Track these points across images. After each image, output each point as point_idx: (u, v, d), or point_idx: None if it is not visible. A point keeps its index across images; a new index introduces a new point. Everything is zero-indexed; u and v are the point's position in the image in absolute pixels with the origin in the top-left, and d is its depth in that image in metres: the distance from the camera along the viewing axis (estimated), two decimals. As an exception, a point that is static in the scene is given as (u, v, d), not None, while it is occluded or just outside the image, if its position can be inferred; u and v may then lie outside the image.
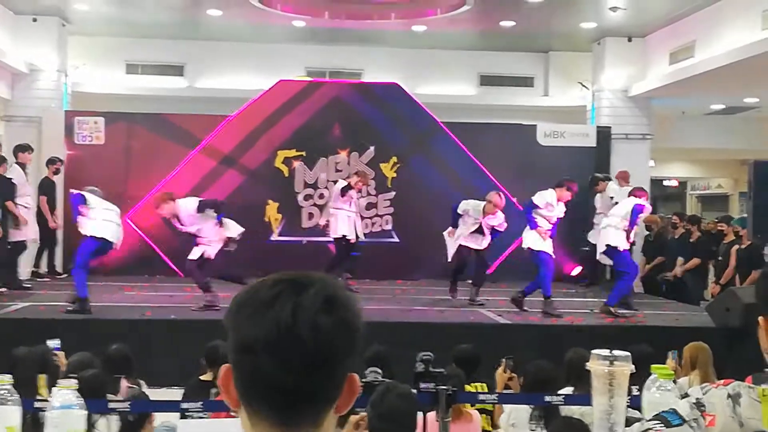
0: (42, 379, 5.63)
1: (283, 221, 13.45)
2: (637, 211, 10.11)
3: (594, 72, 15.80)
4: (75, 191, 9.50)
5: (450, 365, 5.80)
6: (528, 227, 10.26)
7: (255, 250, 12.46)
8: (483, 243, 10.67)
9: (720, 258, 12.17)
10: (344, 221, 11.15)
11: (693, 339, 6.93)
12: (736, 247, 11.68)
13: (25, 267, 12.25)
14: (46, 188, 12.60)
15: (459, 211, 10.58)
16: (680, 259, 12.71)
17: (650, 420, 1.62)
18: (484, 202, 10.52)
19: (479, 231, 10.55)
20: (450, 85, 16.47)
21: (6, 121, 14.51)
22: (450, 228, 10.69)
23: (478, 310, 10.29)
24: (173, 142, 13.50)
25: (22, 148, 11.58)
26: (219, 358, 5.37)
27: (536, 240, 10.08)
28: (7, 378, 2.12)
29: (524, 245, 10.25)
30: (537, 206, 10.17)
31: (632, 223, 10.09)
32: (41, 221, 12.50)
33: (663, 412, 1.62)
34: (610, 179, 13.08)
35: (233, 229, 9.92)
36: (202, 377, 6.11)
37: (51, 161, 12.81)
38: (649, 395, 2.42)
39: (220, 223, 9.72)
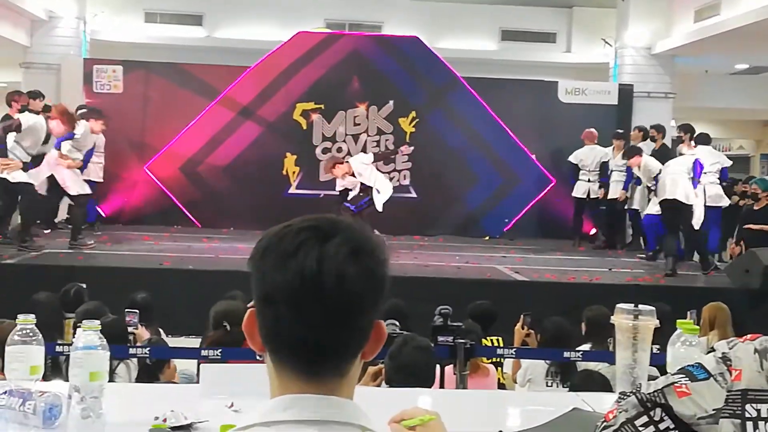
0: (69, 324, 5.66)
1: (301, 174, 13.42)
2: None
3: (618, 29, 15.60)
4: None
5: (466, 320, 5.81)
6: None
7: (272, 203, 12.50)
8: None
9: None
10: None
11: (711, 299, 6.91)
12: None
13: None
14: None
15: None
16: None
17: (675, 374, 1.60)
18: None
19: None
20: (471, 40, 16.31)
21: (25, 68, 14.48)
22: None
23: (495, 267, 10.28)
24: (191, 93, 13.44)
25: (33, 95, 11.50)
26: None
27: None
28: (31, 318, 2.12)
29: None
30: None
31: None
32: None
33: (688, 366, 1.61)
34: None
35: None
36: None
37: (80, 109, 12.79)
38: (673, 350, 2.40)
39: None
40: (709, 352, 1.63)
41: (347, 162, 10.91)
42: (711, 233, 11.48)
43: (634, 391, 1.60)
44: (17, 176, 9.11)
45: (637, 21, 15.15)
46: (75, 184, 10.00)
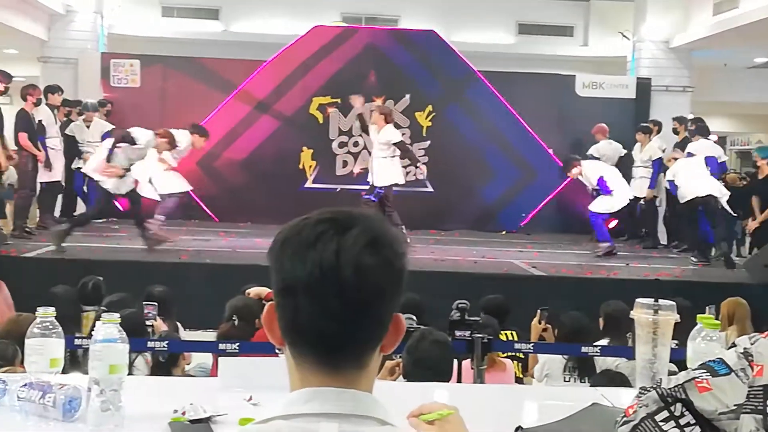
0: (88, 317, 5.69)
1: (317, 168, 13.43)
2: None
3: (635, 22, 15.52)
4: None
5: (482, 315, 5.79)
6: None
7: (289, 197, 12.50)
8: None
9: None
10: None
11: (730, 295, 6.86)
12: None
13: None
14: None
15: None
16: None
17: (696, 369, 1.59)
18: None
19: None
20: (487, 33, 16.26)
21: (43, 62, 14.56)
22: None
23: (512, 261, 10.26)
24: (208, 87, 13.47)
25: (52, 89, 11.57)
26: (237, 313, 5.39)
27: None
28: (51, 311, 2.13)
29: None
30: None
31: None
32: None
33: (710, 361, 1.60)
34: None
35: None
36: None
37: (101, 104, 12.90)
38: (694, 345, 2.38)
39: None
40: (729, 348, 1.62)
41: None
42: (708, 227, 11.43)
43: (654, 386, 1.59)
44: (110, 184, 9.54)
45: (655, 14, 15.06)
46: (169, 183, 10.50)
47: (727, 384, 1.54)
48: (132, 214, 10.07)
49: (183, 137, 10.40)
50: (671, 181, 10.76)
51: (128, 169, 9.59)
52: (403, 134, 13.28)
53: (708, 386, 1.54)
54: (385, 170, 10.74)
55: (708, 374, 1.55)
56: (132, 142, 9.53)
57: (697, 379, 1.55)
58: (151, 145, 9.86)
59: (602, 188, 10.79)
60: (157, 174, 10.33)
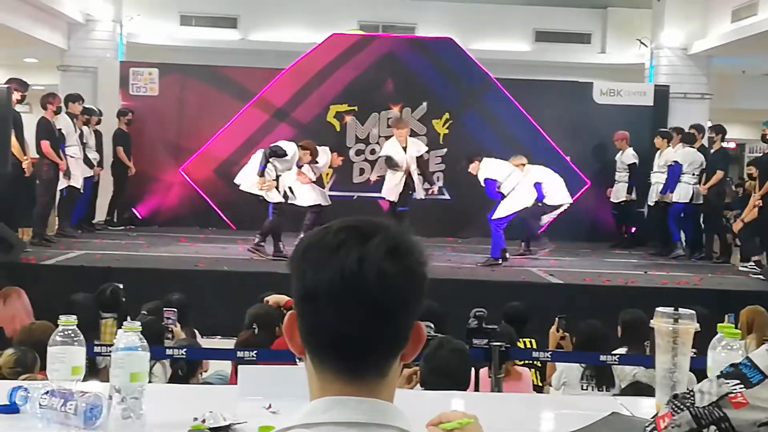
0: (106, 324, 5.71)
1: (334, 176, 13.45)
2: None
3: (653, 29, 15.47)
4: None
5: (500, 323, 5.79)
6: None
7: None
8: None
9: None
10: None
11: (749, 303, 6.81)
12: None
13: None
14: (120, 139, 12.87)
15: None
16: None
17: (727, 377, 1.49)
18: None
19: None
20: (505, 41, 16.26)
21: (62, 71, 14.67)
22: None
23: (530, 269, 10.24)
24: (226, 95, 13.54)
25: (73, 98, 11.67)
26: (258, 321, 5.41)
27: None
28: (73, 319, 2.15)
29: None
30: None
31: None
32: (116, 172, 12.76)
33: (739, 364, 1.49)
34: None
35: None
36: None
37: (122, 113, 13.02)
38: (714, 354, 2.36)
39: None
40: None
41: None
42: (687, 228, 12.17)
43: (688, 403, 1.49)
44: (273, 196, 9.87)
45: (673, 21, 15.02)
46: (308, 196, 10.67)
47: (763, 390, 1.44)
48: (271, 225, 10.10)
49: (323, 154, 10.64)
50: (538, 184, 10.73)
51: (277, 180, 9.94)
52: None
53: (744, 401, 1.45)
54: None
55: (741, 386, 1.46)
56: (283, 154, 9.81)
57: (731, 395, 1.46)
58: (297, 157, 10.05)
59: (488, 190, 10.41)
60: (296, 186, 10.49)
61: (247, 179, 10.05)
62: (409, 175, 10.88)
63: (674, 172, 11.80)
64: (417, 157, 10.97)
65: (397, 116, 12.01)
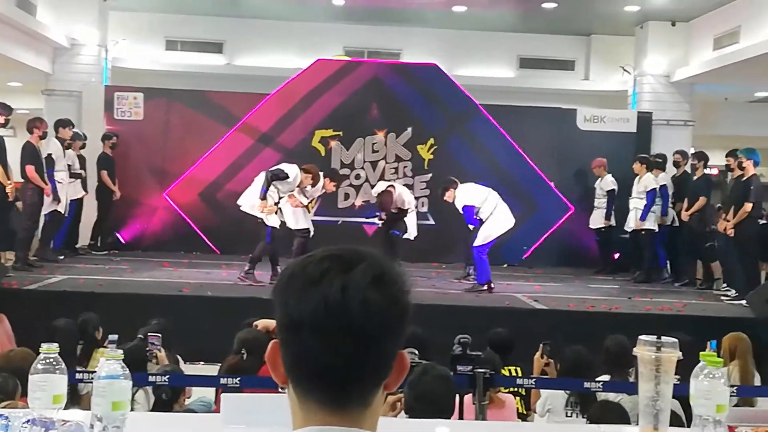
0: (78, 349, 5.70)
1: (319, 201, 13.45)
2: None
3: (636, 56, 15.62)
4: None
5: (485, 349, 5.78)
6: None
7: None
8: None
9: (730, 193, 11.04)
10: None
11: (732, 329, 6.83)
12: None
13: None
14: (104, 163, 12.84)
15: None
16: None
17: None
18: None
19: None
20: (489, 68, 16.36)
21: (47, 95, 14.64)
22: None
23: (514, 295, 10.24)
24: (211, 120, 13.54)
25: (63, 123, 11.68)
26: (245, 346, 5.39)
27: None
28: (54, 347, 2.13)
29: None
30: None
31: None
32: (101, 196, 12.72)
33: None
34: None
35: None
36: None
37: (107, 136, 13.01)
38: (697, 383, 2.37)
39: None
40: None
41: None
42: (659, 251, 12.45)
43: None
44: (272, 221, 9.95)
45: (656, 49, 15.17)
46: (296, 220, 10.55)
47: None
48: (262, 251, 10.15)
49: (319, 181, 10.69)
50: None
51: (278, 204, 10.03)
52: (405, 167, 13.44)
53: None
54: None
55: None
56: (285, 177, 9.89)
57: None
58: (299, 179, 10.09)
59: (467, 217, 10.40)
60: (287, 209, 10.46)
61: (249, 201, 10.08)
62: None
63: (651, 199, 11.95)
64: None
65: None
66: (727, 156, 11.15)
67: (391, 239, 11.16)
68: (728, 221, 10.43)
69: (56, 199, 10.93)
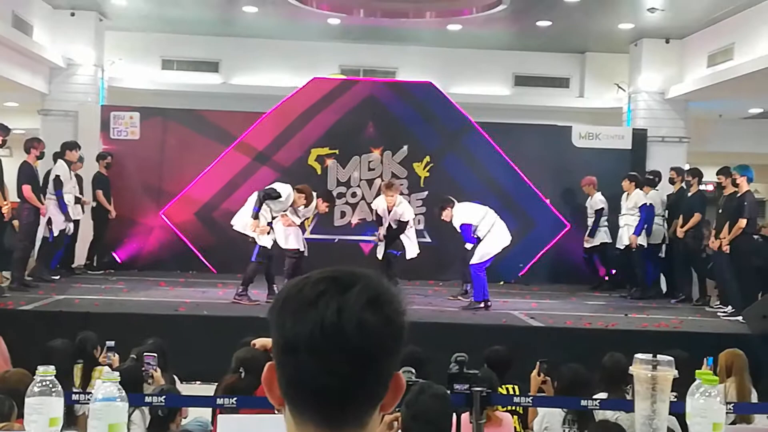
0: (78, 369, 5.70)
1: (316, 219, 13.46)
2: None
3: (631, 73, 15.68)
4: None
5: (482, 367, 5.77)
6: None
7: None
8: None
9: (720, 210, 11.00)
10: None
11: (728, 345, 6.84)
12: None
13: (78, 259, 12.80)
14: (100, 183, 12.86)
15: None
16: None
17: None
18: None
19: None
20: (484, 85, 16.41)
21: (43, 115, 14.66)
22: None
23: (511, 312, 10.24)
24: (208, 138, 13.57)
25: (70, 146, 11.81)
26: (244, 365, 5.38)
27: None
28: (51, 369, 2.13)
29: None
30: None
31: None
32: (96, 216, 12.73)
33: None
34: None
35: None
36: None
37: (102, 156, 13.03)
38: (692, 401, 2.38)
39: None
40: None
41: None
42: (648, 267, 12.49)
43: None
44: (264, 240, 9.95)
45: (650, 66, 15.23)
46: (287, 240, 10.56)
47: None
48: (252, 272, 10.17)
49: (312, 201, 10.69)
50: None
51: (270, 224, 10.04)
52: (401, 185, 13.45)
53: None
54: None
55: None
56: (277, 196, 9.91)
57: None
58: (291, 199, 10.11)
59: (465, 235, 10.42)
60: (278, 229, 10.47)
61: (242, 220, 10.10)
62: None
63: (645, 214, 12.02)
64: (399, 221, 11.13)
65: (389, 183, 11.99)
66: (717, 174, 11.21)
67: (388, 259, 11.15)
68: (720, 239, 10.48)
69: (68, 220, 11.08)
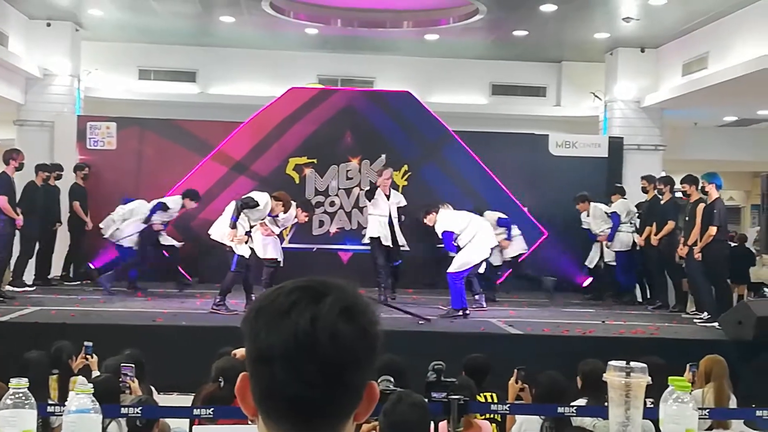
0: (53, 380, 5.66)
1: (294, 228, 13.43)
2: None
3: (607, 82, 15.80)
4: None
5: (460, 375, 5.78)
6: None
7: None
8: None
9: (687, 218, 11.12)
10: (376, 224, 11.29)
11: (706, 352, 6.86)
12: (702, 205, 10.77)
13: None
14: (76, 193, 12.82)
15: None
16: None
17: None
18: None
19: None
20: (462, 95, 16.48)
21: (19, 126, 14.57)
22: None
23: (489, 320, 10.26)
24: (185, 148, 13.53)
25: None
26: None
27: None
28: (24, 381, 2.12)
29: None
30: None
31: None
32: (73, 227, 12.67)
33: None
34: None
35: None
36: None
37: (79, 167, 12.99)
38: (666, 407, 2.40)
39: None
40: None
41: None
42: (627, 274, 12.74)
43: None
44: (242, 250, 9.91)
45: (626, 75, 15.35)
46: (265, 249, 10.55)
47: None
48: (230, 282, 10.15)
49: (290, 210, 10.69)
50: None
51: (249, 233, 10.01)
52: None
53: None
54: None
55: None
56: (255, 205, 9.88)
57: None
58: (269, 207, 10.09)
59: (446, 243, 10.44)
60: (257, 238, 10.43)
61: (219, 230, 10.08)
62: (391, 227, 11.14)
63: (614, 222, 12.34)
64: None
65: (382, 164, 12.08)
66: (682, 182, 11.31)
67: (394, 271, 11.35)
68: (689, 245, 10.60)
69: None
